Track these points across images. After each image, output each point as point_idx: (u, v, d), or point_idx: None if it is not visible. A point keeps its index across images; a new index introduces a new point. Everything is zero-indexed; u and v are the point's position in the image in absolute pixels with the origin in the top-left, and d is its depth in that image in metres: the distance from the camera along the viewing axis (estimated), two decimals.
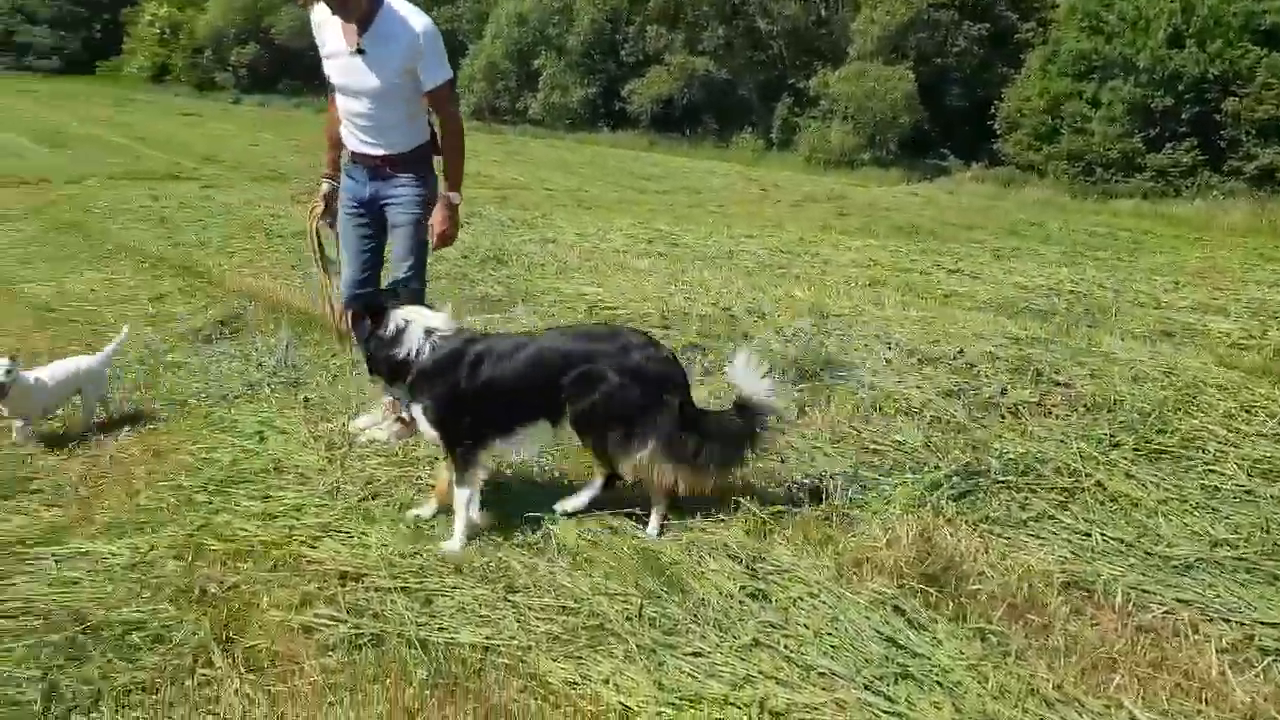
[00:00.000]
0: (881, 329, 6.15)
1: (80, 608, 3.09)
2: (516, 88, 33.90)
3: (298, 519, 3.71)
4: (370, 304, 3.82)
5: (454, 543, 3.57)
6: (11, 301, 6.85)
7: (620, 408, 3.58)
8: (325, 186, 4.61)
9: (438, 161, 4.43)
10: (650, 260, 9.34)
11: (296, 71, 43.57)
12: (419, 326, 3.63)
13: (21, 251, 8.58)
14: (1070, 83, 23.65)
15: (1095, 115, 22.78)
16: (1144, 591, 3.39)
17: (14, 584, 3.23)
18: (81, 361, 4.53)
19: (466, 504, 3.59)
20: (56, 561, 3.38)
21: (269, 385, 5.21)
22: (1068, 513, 3.95)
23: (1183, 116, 21.17)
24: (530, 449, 3.87)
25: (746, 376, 3.71)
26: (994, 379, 5.19)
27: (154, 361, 5.60)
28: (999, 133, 26.73)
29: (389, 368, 3.64)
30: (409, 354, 3.58)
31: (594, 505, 3.78)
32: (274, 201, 12.10)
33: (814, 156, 28.40)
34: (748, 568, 3.41)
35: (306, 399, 5.00)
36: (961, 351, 5.58)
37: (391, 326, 3.64)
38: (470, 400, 3.57)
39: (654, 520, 3.73)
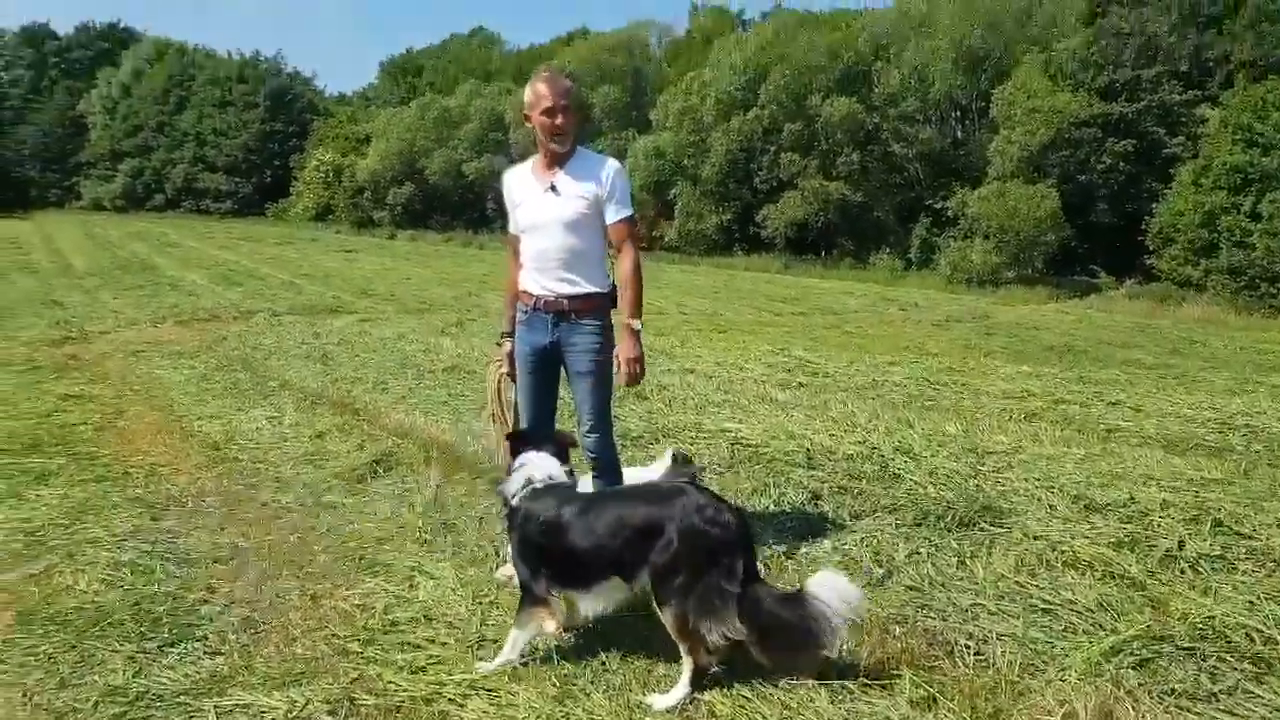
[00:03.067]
0: (1042, 470, 5.85)
1: None
2: (654, 216, 34.86)
3: (447, 674, 3.69)
4: (520, 435, 4.27)
5: (490, 665, 3.75)
6: (185, 440, 7.24)
7: (675, 567, 3.47)
8: (508, 345, 4.74)
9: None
10: (791, 391, 9.24)
11: (445, 209, 46.36)
12: (525, 472, 3.92)
13: (196, 389, 9.12)
14: (1226, 196, 22.93)
15: (1256, 228, 21.92)
16: None
17: None
18: None
19: (514, 641, 3.76)
20: (218, 714, 3.44)
21: (420, 526, 5.30)
22: (1264, 686, 3.56)
23: None
24: (599, 607, 3.77)
25: (838, 582, 3.47)
26: (1169, 528, 4.83)
27: (312, 502, 5.79)
28: (1152, 248, 25.95)
29: (500, 497, 4.05)
30: (508, 492, 3.94)
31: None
32: (424, 334, 12.62)
33: (955, 276, 28.08)
34: None
35: (455, 543, 5.06)
36: (1132, 498, 5.23)
37: (516, 462, 4.02)
38: (542, 550, 3.75)
39: (676, 689, 3.48)
